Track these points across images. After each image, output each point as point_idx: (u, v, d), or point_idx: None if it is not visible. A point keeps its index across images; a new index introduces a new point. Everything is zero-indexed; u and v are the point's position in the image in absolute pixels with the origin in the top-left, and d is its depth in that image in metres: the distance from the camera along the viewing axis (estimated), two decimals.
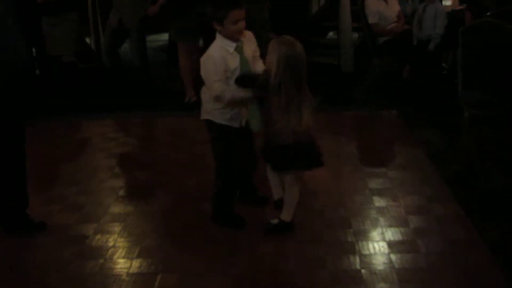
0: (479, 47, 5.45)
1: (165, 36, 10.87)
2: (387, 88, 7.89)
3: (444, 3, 8.36)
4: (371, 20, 7.61)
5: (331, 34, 10.71)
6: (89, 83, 8.67)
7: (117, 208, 4.71)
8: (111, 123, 7.14)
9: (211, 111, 4.15)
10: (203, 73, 4.06)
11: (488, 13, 6.83)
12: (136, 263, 3.86)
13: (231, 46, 4.03)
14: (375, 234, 4.13)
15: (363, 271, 3.67)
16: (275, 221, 4.19)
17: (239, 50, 4.06)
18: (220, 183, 4.29)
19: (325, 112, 7.00)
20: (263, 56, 4.15)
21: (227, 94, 3.99)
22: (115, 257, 3.96)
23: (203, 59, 4.06)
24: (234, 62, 4.02)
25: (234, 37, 4.03)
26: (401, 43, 7.57)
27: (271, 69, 3.85)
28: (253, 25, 7.67)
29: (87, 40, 10.12)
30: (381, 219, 4.33)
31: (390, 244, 3.97)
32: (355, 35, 9.34)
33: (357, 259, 3.80)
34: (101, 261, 3.91)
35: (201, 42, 7.67)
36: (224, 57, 3.98)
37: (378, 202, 4.60)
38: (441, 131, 6.09)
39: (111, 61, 8.16)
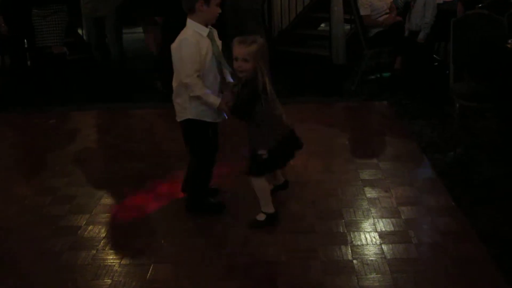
0: (470, 38, 5.46)
1: None
2: (378, 80, 7.91)
3: None
4: (363, 11, 7.60)
5: (322, 25, 10.70)
6: (80, 74, 8.64)
7: (109, 199, 4.70)
8: (103, 114, 7.11)
9: (189, 108, 4.13)
10: (176, 58, 4.01)
11: (480, 5, 6.84)
12: (128, 254, 3.87)
13: (204, 30, 4.00)
14: (367, 225, 4.14)
15: (354, 261, 3.69)
16: (261, 217, 4.22)
17: (210, 36, 4.04)
18: (198, 175, 4.37)
19: (317, 103, 7.01)
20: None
21: (197, 89, 3.98)
22: (107, 248, 3.96)
23: (175, 45, 4.01)
24: (206, 47, 4.00)
25: (211, 20, 4.03)
26: (393, 35, 7.57)
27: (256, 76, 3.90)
28: (243, 17, 7.71)
29: (79, 31, 10.09)
30: (373, 210, 4.34)
31: (382, 235, 3.99)
32: (347, 26, 9.34)
33: (349, 250, 3.82)
34: (93, 252, 3.91)
35: None
36: (198, 42, 3.95)
37: (370, 193, 4.62)
38: (432, 122, 6.11)
39: (100, 53, 8.13)
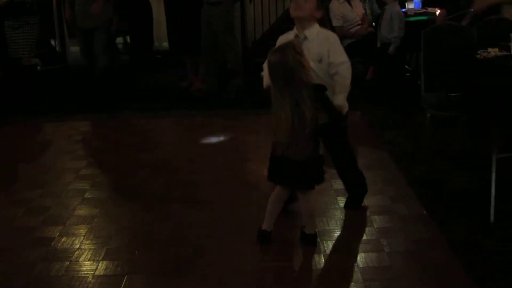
0: (440, 49, 5.54)
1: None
2: (351, 90, 7.95)
3: (407, 5, 8.45)
4: (335, 23, 7.67)
5: None
6: (53, 84, 8.62)
7: (82, 210, 4.69)
8: (76, 125, 7.08)
9: None
10: None
11: (449, 16, 6.95)
12: (102, 265, 3.86)
13: (292, 33, 4.02)
14: (340, 234, 4.18)
15: (328, 270, 3.72)
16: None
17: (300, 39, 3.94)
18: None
19: None
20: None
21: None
22: (81, 259, 3.95)
23: None
24: None
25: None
26: (365, 46, 7.64)
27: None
28: (217, 30, 7.74)
29: (52, 42, 10.07)
30: (346, 219, 4.37)
31: (355, 244, 4.02)
32: None
33: (322, 259, 3.85)
34: (67, 263, 3.89)
35: None
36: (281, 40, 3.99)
37: (343, 202, 4.64)
38: (404, 132, 6.18)
39: (88, 62, 8.09)
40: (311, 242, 4.01)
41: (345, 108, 4.02)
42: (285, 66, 3.60)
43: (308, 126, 3.68)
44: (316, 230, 4.10)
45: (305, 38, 3.97)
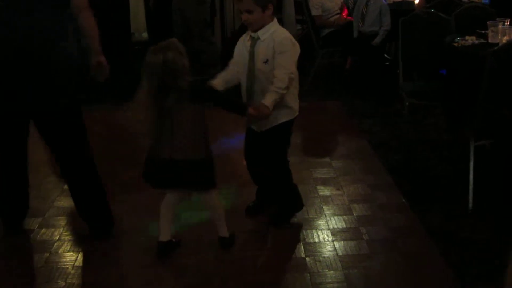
0: (418, 38, 5.57)
1: None
2: (330, 79, 7.98)
3: None
4: (314, 12, 7.66)
5: None
6: None
7: (62, 202, 4.67)
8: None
9: None
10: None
11: (428, 4, 6.97)
12: (81, 256, 3.86)
13: (248, 33, 3.89)
14: (320, 222, 4.20)
15: (307, 259, 3.74)
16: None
17: (252, 42, 3.86)
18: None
19: None
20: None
21: None
22: (60, 250, 3.94)
23: None
24: (242, 48, 3.94)
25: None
26: (344, 35, 7.64)
27: None
28: (188, 28, 7.59)
29: None
30: (325, 208, 4.40)
31: (334, 232, 4.05)
32: (299, 27, 9.42)
33: (302, 247, 3.87)
34: (46, 255, 3.89)
35: None
36: (240, 40, 3.98)
37: (322, 191, 4.67)
38: (383, 120, 6.21)
39: None
40: (228, 244, 3.88)
41: (267, 111, 3.68)
42: (165, 67, 3.43)
43: (191, 127, 3.60)
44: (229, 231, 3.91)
45: (258, 38, 3.83)
